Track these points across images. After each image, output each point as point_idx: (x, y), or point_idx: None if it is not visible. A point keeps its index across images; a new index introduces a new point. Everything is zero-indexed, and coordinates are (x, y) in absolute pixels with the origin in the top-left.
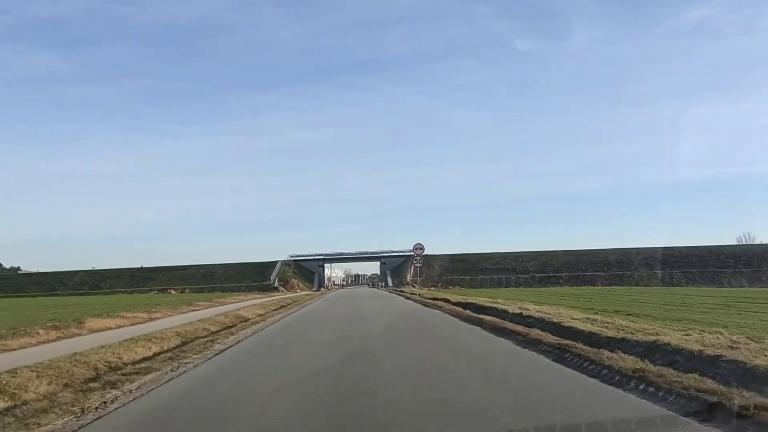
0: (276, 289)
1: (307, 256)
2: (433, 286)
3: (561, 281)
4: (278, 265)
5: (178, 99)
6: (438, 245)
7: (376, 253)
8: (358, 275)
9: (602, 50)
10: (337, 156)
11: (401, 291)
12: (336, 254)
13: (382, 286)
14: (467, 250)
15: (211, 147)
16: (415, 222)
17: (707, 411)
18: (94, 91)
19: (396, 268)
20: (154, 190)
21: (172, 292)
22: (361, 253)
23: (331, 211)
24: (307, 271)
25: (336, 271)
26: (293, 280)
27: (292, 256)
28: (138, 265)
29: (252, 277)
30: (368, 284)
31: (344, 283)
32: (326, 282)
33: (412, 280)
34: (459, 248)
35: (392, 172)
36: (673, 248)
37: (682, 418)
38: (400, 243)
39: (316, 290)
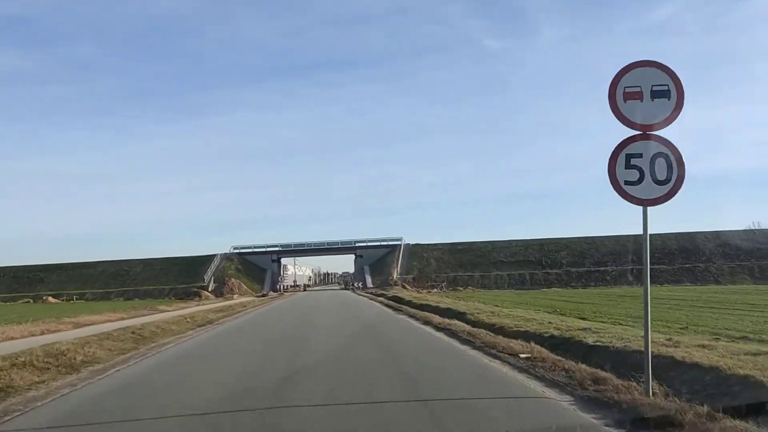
0: (198, 295)
1: (256, 247)
2: (432, 286)
3: (608, 278)
4: (216, 261)
5: (148, 98)
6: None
7: (350, 243)
8: (329, 273)
9: (569, 49)
10: (312, 154)
11: (386, 296)
12: (296, 245)
13: (358, 287)
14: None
15: (183, 146)
16: (393, 220)
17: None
18: (59, 89)
19: (377, 263)
20: (124, 189)
21: (51, 300)
22: (329, 244)
23: (306, 210)
24: (256, 268)
25: (303, 268)
26: (232, 280)
27: (236, 248)
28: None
29: (180, 276)
30: (340, 284)
31: (310, 283)
32: (281, 282)
33: (400, 278)
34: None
35: (368, 171)
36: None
37: None
38: (380, 231)
39: (262, 295)
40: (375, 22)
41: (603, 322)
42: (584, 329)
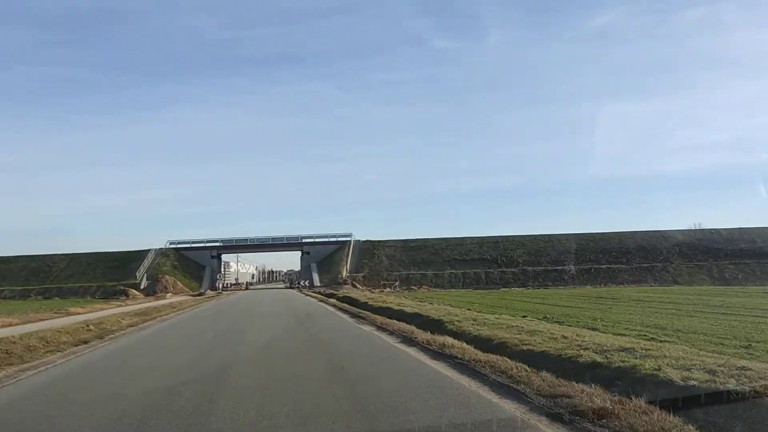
0: (124, 294)
1: (195, 242)
2: (385, 285)
3: (566, 277)
4: (150, 256)
5: (82, 88)
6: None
7: (296, 239)
8: (274, 271)
9: (515, 53)
10: (253, 150)
11: (336, 297)
12: (238, 240)
13: (304, 286)
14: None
15: (117, 138)
16: (342, 219)
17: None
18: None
19: (325, 260)
20: (55, 181)
21: None
22: (274, 239)
23: (250, 208)
24: (195, 265)
25: (247, 266)
26: (167, 277)
27: (172, 243)
28: None
29: (110, 273)
30: (285, 282)
31: (254, 281)
32: (220, 280)
33: (350, 276)
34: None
35: (309, 168)
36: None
37: None
38: (328, 227)
39: (199, 294)
40: (322, 19)
41: (629, 335)
42: (628, 350)
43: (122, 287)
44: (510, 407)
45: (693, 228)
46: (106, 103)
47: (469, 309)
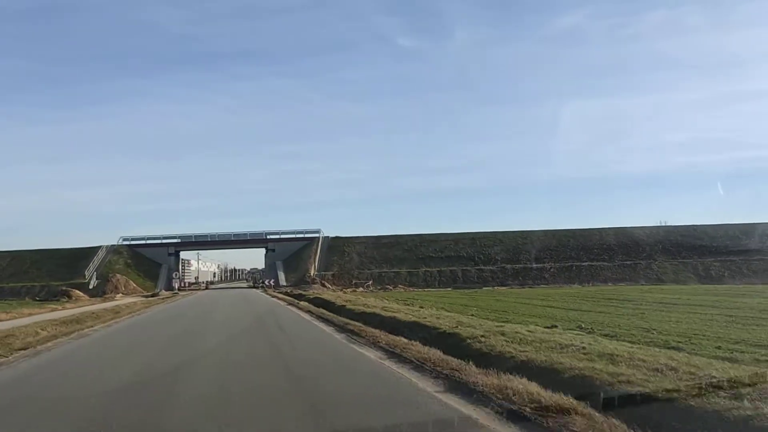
0: (66, 295)
1: (150, 239)
2: (357, 284)
3: (546, 275)
4: (101, 254)
5: (41, 82)
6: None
7: (260, 235)
8: (237, 270)
9: (481, 52)
10: (219, 147)
11: (306, 298)
12: (197, 236)
13: (269, 285)
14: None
15: (78, 133)
16: (308, 217)
17: None
18: None
19: (291, 258)
20: (8, 177)
21: None
22: (236, 236)
23: (212, 205)
24: (150, 263)
25: (208, 264)
26: (118, 276)
27: (125, 240)
28: None
29: (57, 272)
30: (248, 281)
31: (215, 279)
32: (176, 279)
33: (318, 275)
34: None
35: (279, 165)
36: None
37: None
38: (295, 223)
39: (153, 294)
40: (287, 14)
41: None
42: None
43: (65, 288)
44: None
45: (660, 224)
46: (64, 98)
47: (472, 315)
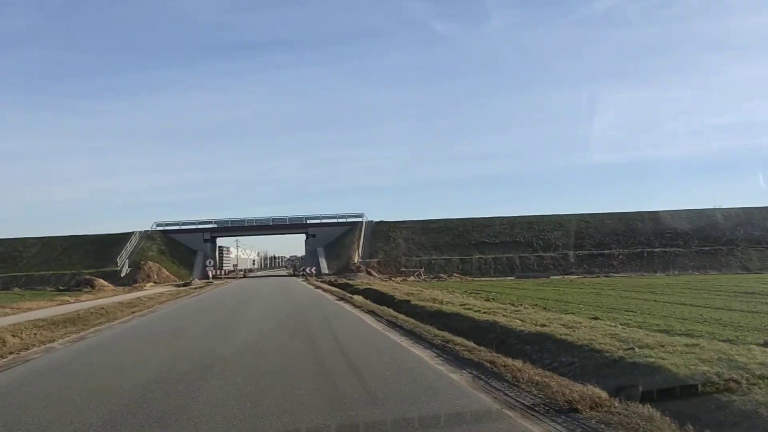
0: (89, 284)
1: (185, 224)
2: (406, 273)
3: (614, 263)
4: (134, 240)
5: (84, 73)
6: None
7: (299, 219)
8: (276, 257)
9: (516, 36)
10: (253, 136)
11: (354, 289)
12: (234, 221)
13: (310, 273)
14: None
15: (119, 124)
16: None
17: None
18: None
19: (333, 244)
20: (56, 168)
21: None
22: (275, 221)
23: (247, 194)
24: (185, 249)
25: (248, 251)
26: (149, 264)
27: (159, 225)
28: None
29: (88, 258)
30: (288, 269)
31: (254, 267)
32: (210, 267)
33: (362, 262)
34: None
35: (310, 154)
36: None
37: None
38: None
39: (185, 283)
40: (319, 2)
41: None
42: None
43: (88, 277)
44: None
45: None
46: (104, 88)
47: (595, 318)
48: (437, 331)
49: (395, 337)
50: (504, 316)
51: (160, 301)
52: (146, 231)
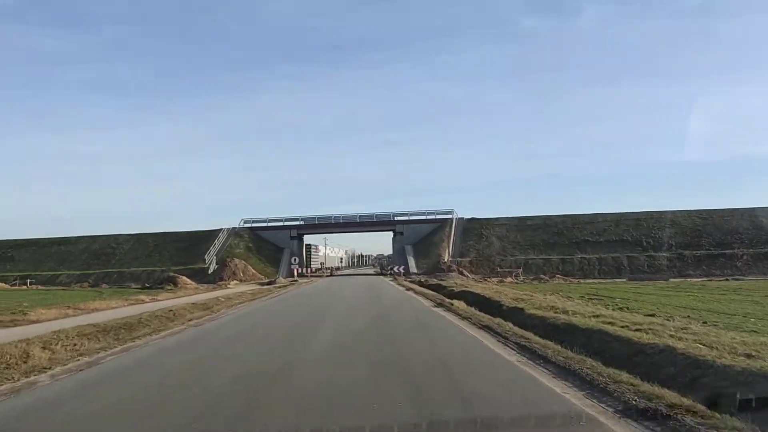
0: (172, 282)
1: (272, 221)
2: (500, 274)
3: (738, 264)
4: (222, 237)
5: (174, 78)
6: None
7: (387, 216)
8: (363, 256)
9: (610, 29)
10: (338, 136)
11: (449, 291)
12: (320, 218)
13: (398, 273)
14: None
15: (206, 126)
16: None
17: None
18: (92, 70)
19: (422, 242)
20: (146, 170)
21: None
22: (362, 217)
23: (332, 193)
24: (272, 247)
25: (336, 250)
26: (235, 261)
27: (246, 222)
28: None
29: (177, 255)
30: (375, 267)
31: (341, 266)
32: (295, 265)
33: (453, 261)
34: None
35: (393, 153)
36: None
37: None
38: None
39: (269, 282)
40: (403, 2)
41: None
42: None
43: (172, 274)
44: None
45: None
46: (197, 92)
47: None
48: (602, 368)
49: (554, 384)
50: (672, 336)
51: (233, 304)
52: (234, 228)
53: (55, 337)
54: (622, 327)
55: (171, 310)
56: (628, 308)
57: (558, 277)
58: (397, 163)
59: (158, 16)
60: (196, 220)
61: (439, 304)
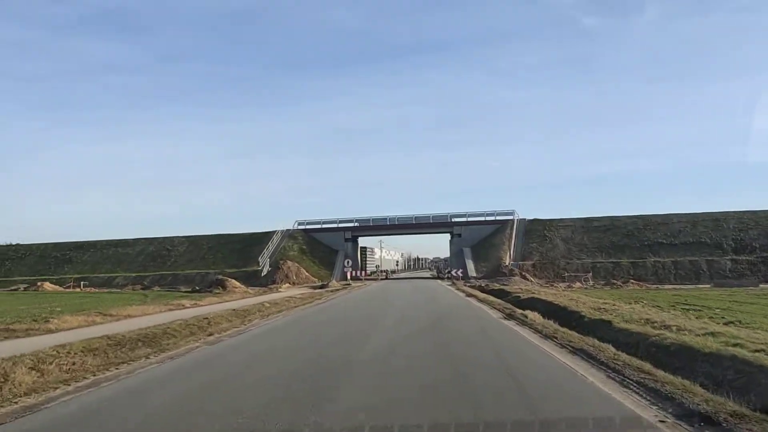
0: (221, 284)
1: (326, 223)
2: (568, 278)
3: None
4: (276, 239)
5: (236, 84)
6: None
7: (443, 217)
8: (420, 259)
9: (672, 26)
10: (396, 138)
11: (521, 299)
12: (375, 219)
13: (457, 277)
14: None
15: (266, 131)
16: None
17: None
18: (156, 77)
19: (481, 244)
20: (209, 173)
21: (48, 287)
22: (418, 219)
23: (390, 195)
24: (326, 249)
25: (392, 252)
26: (288, 263)
27: (300, 224)
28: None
29: (231, 258)
30: (431, 271)
31: (397, 268)
32: (348, 268)
33: (514, 264)
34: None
35: (451, 153)
36: None
37: None
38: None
39: (321, 286)
40: (463, 4)
41: None
42: None
43: (221, 277)
44: None
45: None
46: (258, 98)
47: None
48: None
49: None
50: None
51: (275, 311)
52: (288, 230)
53: (54, 353)
54: (756, 351)
55: (206, 318)
56: (740, 322)
57: (632, 283)
58: (454, 162)
59: (225, 26)
60: (254, 223)
61: (509, 316)
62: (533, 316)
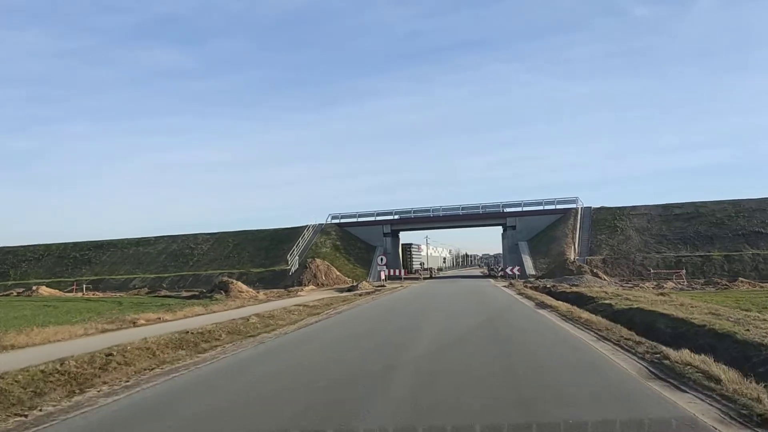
0: (224, 289)
1: (362, 216)
2: (654, 278)
3: None
4: (307, 234)
5: (286, 88)
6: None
7: (495, 207)
8: (468, 256)
9: (729, 13)
10: (445, 137)
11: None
12: (417, 211)
13: (512, 275)
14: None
15: (318, 133)
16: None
17: None
18: (209, 83)
19: (538, 237)
20: (258, 177)
21: (43, 292)
22: (464, 209)
23: (440, 194)
24: (362, 245)
25: (439, 249)
26: (317, 262)
27: (334, 217)
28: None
29: (259, 256)
30: (481, 268)
31: (444, 266)
32: (382, 267)
33: (581, 260)
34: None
35: (501, 152)
36: None
37: None
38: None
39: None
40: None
41: None
42: None
43: (225, 279)
44: None
45: None
46: (308, 101)
47: None
48: None
49: None
50: None
51: (262, 332)
52: (320, 225)
53: None
54: None
55: (110, 355)
56: None
57: (742, 282)
58: (503, 162)
59: (269, 31)
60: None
61: (656, 361)
62: (693, 359)
